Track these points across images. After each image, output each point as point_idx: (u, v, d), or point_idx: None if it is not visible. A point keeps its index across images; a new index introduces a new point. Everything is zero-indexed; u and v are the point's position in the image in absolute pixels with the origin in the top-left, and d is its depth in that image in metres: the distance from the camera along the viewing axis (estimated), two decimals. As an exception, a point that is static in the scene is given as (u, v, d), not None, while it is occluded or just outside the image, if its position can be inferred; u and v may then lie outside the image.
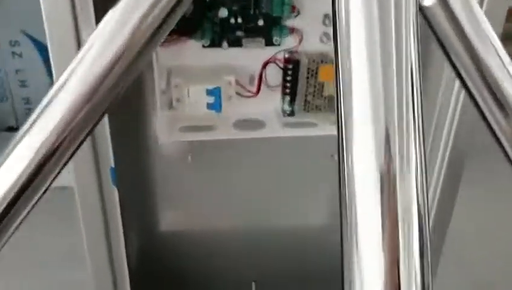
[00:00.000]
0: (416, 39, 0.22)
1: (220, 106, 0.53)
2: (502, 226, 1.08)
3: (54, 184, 0.28)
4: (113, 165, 0.46)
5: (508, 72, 0.31)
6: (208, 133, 0.56)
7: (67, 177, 0.45)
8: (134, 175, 0.59)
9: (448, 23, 0.30)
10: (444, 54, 0.31)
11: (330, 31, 0.57)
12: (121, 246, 0.55)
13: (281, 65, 0.56)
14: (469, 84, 0.31)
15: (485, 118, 0.32)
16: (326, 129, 0.59)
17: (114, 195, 0.47)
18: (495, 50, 0.31)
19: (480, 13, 0.30)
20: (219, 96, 0.52)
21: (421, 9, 0.30)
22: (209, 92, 0.52)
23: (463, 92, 0.53)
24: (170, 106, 0.55)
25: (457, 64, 0.31)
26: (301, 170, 0.66)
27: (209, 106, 0.53)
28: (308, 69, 0.55)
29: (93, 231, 0.51)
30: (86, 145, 0.45)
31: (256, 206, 0.69)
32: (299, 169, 0.66)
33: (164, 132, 0.54)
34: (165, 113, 0.55)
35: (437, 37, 0.30)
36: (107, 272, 0.55)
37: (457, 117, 0.55)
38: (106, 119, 0.45)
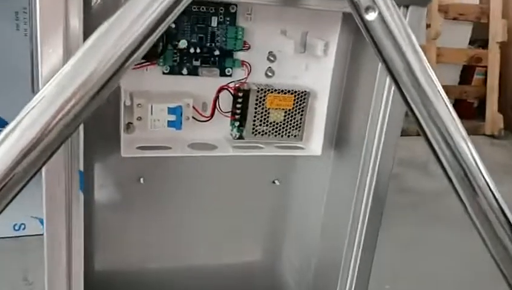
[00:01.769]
0: None
1: (181, 124, 0.58)
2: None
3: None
4: (82, 169, 0.49)
5: (430, 77, 0.41)
6: (165, 150, 0.61)
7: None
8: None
9: (385, 36, 0.39)
10: (383, 64, 0.40)
11: (274, 66, 0.66)
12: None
13: (232, 93, 0.64)
14: (402, 87, 0.41)
15: (416, 119, 0.41)
16: (271, 152, 0.66)
17: (80, 199, 0.50)
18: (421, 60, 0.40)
19: (407, 27, 0.39)
20: (181, 115, 0.57)
21: (364, 23, 0.39)
22: (171, 111, 0.57)
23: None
24: (132, 125, 0.60)
25: (393, 71, 0.40)
26: (245, 192, 0.72)
27: (170, 124, 0.58)
28: (257, 96, 0.63)
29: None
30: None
31: (198, 237, 0.73)
32: (243, 191, 0.72)
33: (127, 148, 0.58)
34: (128, 131, 0.59)
35: (377, 47, 0.40)
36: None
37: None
38: (81, 128, 0.49)
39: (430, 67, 0.41)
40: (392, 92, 0.61)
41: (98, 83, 0.35)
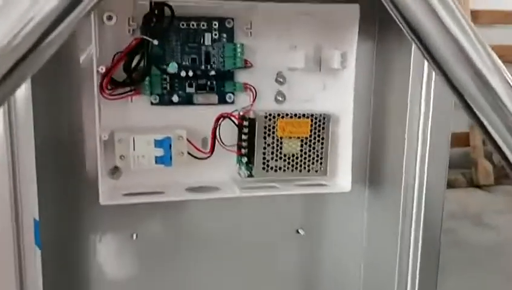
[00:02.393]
0: None
1: (171, 159, 0.47)
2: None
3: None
4: (37, 218, 0.38)
5: (487, 53, 0.28)
6: (157, 195, 0.50)
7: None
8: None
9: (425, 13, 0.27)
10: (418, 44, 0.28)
11: (284, 89, 0.55)
12: None
13: (236, 123, 0.53)
14: (442, 64, 0.28)
15: (459, 95, 0.29)
16: (288, 191, 0.53)
17: (36, 256, 0.38)
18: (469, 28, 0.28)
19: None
20: (170, 148, 0.47)
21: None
22: (158, 144, 0.47)
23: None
24: (119, 170, 0.49)
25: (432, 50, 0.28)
26: (263, 247, 0.59)
27: (158, 160, 0.47)
28: (265, 124, 0.52)
29: None
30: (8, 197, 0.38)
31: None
32: (261, 246, 0.59)
33: (107, 195, 0.47)
34: (113, 176, 0.49)
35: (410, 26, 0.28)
36: None
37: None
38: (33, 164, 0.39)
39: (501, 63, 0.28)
40: (432, 102, 0.49)
41: None
